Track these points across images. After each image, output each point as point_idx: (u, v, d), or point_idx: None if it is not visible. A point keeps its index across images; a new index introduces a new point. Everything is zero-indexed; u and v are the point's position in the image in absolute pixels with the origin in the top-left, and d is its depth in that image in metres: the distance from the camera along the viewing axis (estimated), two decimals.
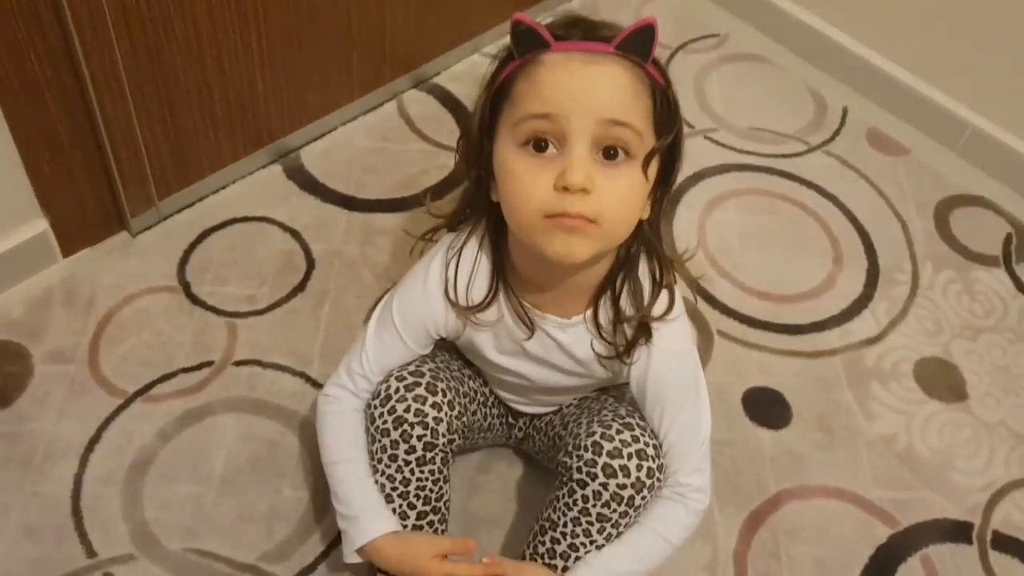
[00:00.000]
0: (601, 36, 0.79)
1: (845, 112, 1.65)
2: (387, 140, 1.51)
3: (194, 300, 1.29)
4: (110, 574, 1.05)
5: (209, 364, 1.23)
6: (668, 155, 0.85)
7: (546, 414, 1.09)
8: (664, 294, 0.90)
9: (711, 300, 1.36)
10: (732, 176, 1.53)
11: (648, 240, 0.89)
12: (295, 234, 1.37)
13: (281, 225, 1.38)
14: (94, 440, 1.14)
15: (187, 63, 1.23)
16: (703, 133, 1.58)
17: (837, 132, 1.62)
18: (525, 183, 0.80)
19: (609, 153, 0.79)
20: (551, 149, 0.79)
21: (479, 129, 0.85)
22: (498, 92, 0.83)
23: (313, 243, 1.36)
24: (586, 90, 0.78)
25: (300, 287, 1.31)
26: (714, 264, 1.40)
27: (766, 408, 1.26)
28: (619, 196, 0.80)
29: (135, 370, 1.21)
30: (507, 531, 1.12)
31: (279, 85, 1.37)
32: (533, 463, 1.18)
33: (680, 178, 1.49)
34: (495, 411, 1.09)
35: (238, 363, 1.23)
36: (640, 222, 0.86)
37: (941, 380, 1.31)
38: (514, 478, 1.17)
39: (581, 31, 0.80)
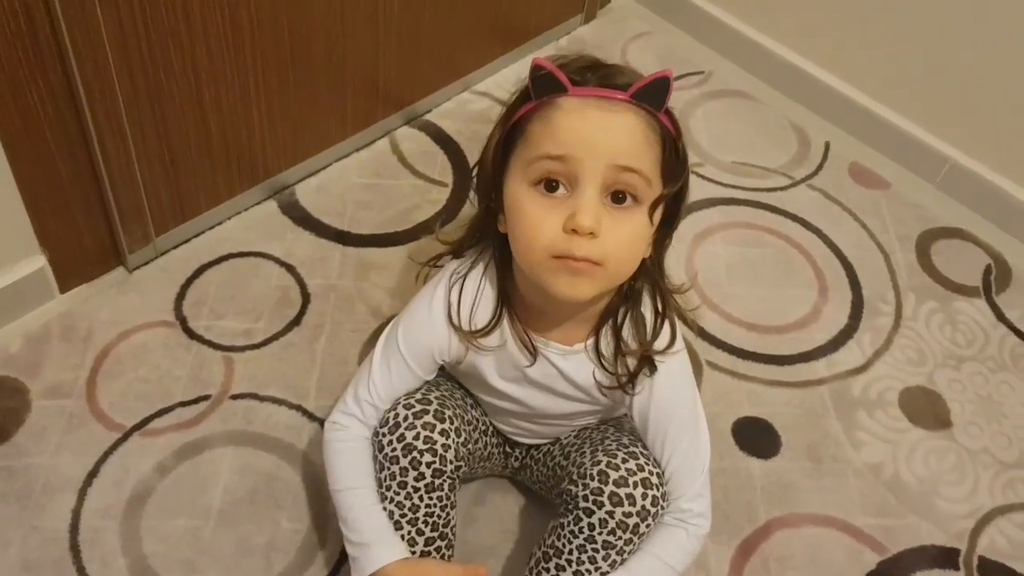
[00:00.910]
0: (617, 84, 0.82)
1: (827, 147, 1.69)
2: (380, 176, 1.53)
3: (191, 334, 1.30)
4: None
5: (206, 398, 1.24)
6: (673, 199, 0.88)
7: (544, 444, 1.11)
8: (666, 327, 0.92)
9: (701, 332, 1.38)
10: (718, 210, 1.56)
11: (651, 276, 0.92)
12: (291, 269, 1.39)
13: (277, 260, 1.40)
14: (92, 474, 1.15)
15: (186, 102, 1.26)
16: (690, 168, 1.61)
17: (820, 166, 1.65)
18: (535, 223, 0.83)
19: (618, 197, 0.82)
20: (562, 190, 0.82)
21: (492, 163, 0.88)
22: (513, 128, 0.86)
23: (308, 278, 1.38)
24: (600, 136, 0.81)
25: (296, 321, 1.33)
26: (703, 296, 1.43)
27: (756, 438, 1.28)
28: (625, 240, 0.83)
29: (132, 404, 1.22)
30: (503, 562, 1.13)
31: (275, 123, 1.39)
32: (528, 494, 1.19)
33: None
34: (494, 440, 1.11)
35: (235, 396, 1.24)
36: (643, 259, 0.89)
37: (926, 408, 1.34)
38: (509, 510, 1.18)
39: (597, 77, 0.83)
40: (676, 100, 1.59)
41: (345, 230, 1.45)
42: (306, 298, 1.36)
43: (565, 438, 1.09)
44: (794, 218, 1.56)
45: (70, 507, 1.12)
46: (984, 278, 1.51)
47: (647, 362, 0.92)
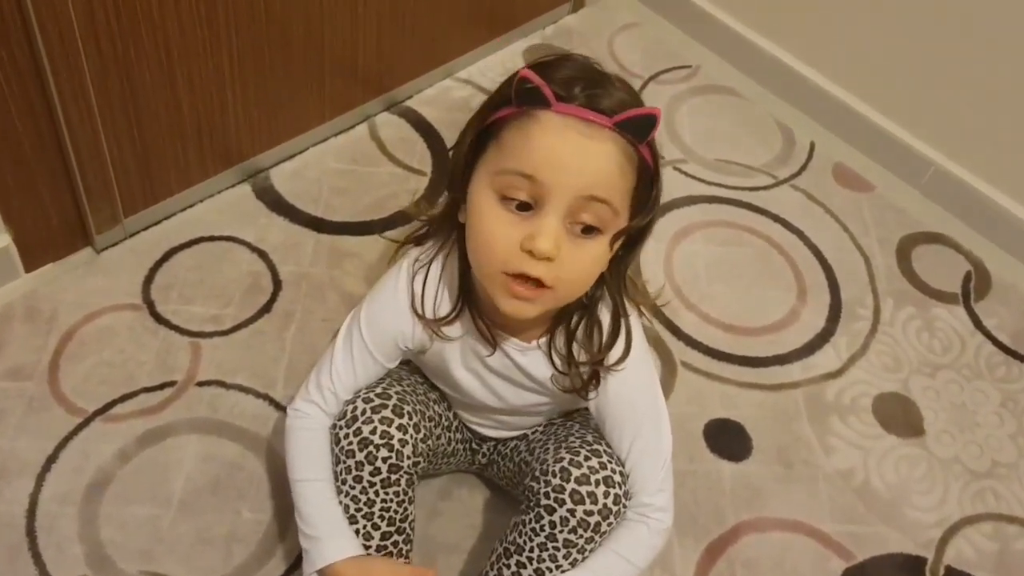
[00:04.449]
0: (602, 107, 0.79)
1: (812, 147, 1.67)
2: (357, 162, 1.51)
3: (158, 319, 1.28)
4: None
5: (172, 384, 1.22)
6: (640, 227, 0.86)
7: (511, 439, 1.10)
8: (621, 340, 0.91)
9: (676, 331, 1.37)
10: (699, 208, 1.54)
11: (609, 286, 0.91)
12: (263, 255, 1.37)
13: (249, 245, 1.38)
14: (51, 459, 1.13)
15: (157, 80, 1.23)
16: (672, 164, 1.60)
17: (804, 167, 1.64)
18: (494, 235, 0.81)
19: (581, 224, 0.81)
20: (526, 206, 0.80)
21: (464, 159, 0.86)
22: (488, 128, 0.83)
23: (281, 264, 1.36)
24: (574, 163, 0.79)
25: (266, 308, 1.31)
26: (679, 295, 1.42)
27: (727, 440, 1.27)
28: (581, 267, 0.83)
29: (96, 389, 1.20)
30: (466, 558, 1.12)
31: (249, 105, 1.37)
32: (495, 490, 1.18)
33: None
34: (459, 436, 1.09)
35: (201, 383, 1.22)
36: (601, 272, 0.88)
37: (899, 416, 1.33)
38: (475, 505, 1.17)
39: (585, 94, 0.79)
40: (662, 95, 1.56)
41: (320, 216, 1.43)
42: (277, 285, 1.34)
43: (532, 433, 1.08)
44: (775, 218, 1.55)
45: (28, 492, 1.10)
46: (964, 285, 1.50)
47: (597, 376, 0.92)
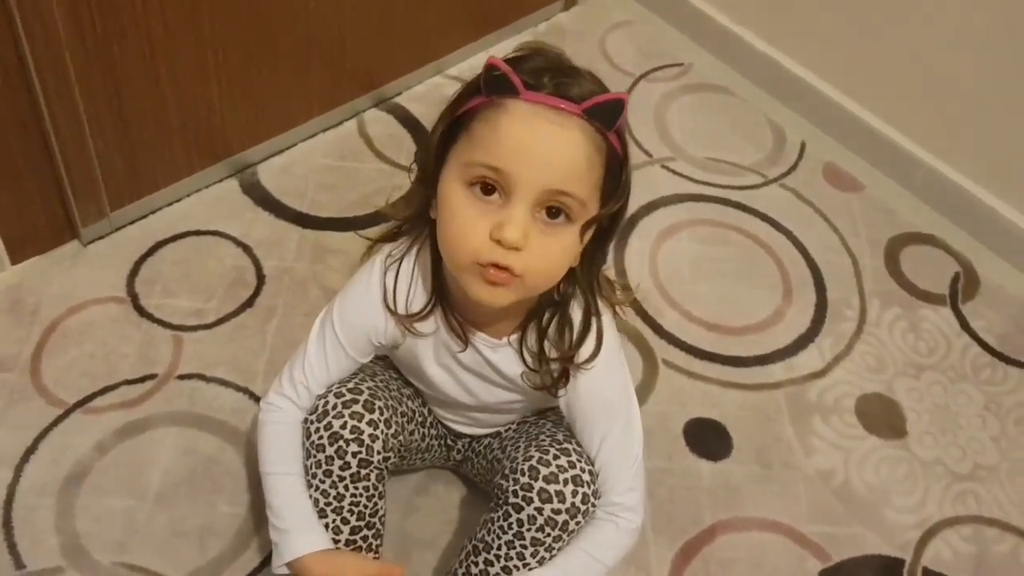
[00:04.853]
0: (571, 95, 0.79)
1: (803, 146, 1.67)
2: (345, 159, 1.51)
3: (141, 312, 1.29)
4: None
5: (152, 377, 1.23)
6: (610, 219, 0.86)
7: (485, 436, 1.10)
8: (591, 338, 0.91)
9: (658, 329, 1.37)
10: (686, 206, 1.54)
11: (581, 283, 0.91)
12: (247, 249, 1.37)
13: (234, 240, 1.38)
14: (30, 450, 1.14)
15: (142, 76, 1.23)
16: (660, 162, 1.59)
17: (794, 166, 1.63)
18: (464, 226, 0.81)
19: (551, 212, 0.81)
20: (496, 196, 0.80)
21: (434, 152, 0.86)
22: (458, 119, 0.83)
23: (264, 259, 1.37)
24: (541, 153, 0.78)
25: (249, 303, 1.32)
26: (663, 294, 1.42)
27: (707, 439, 1.27)
28: (550, 256, 0.82)
29: (76, 381, 1.21)
30: (440, 554, 1.13)
31: (236, 100, 1.37)
32: (472, 486, 1.18)
33: (634, 207, 1.52)
34: (434, 432, 1.10)
35: (181, 377, 1.23)
36: (573, 268, 0.88)
37: (882, 417, 1.32)
38: (451, 501, 1.17)
39: (553, 83, 0.79)
40: (653, 93, 1.55)
41: (305, 212, 1.43)
42: (261, 280, 1.34)
43: (505, 431, 1.08)
44: (764, 218, 1.54)
45: (5, 483, 1.11)
46: (951, 286, 1.50)
47: (569, 369, 0.91)
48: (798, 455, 1.27)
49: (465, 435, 1.11)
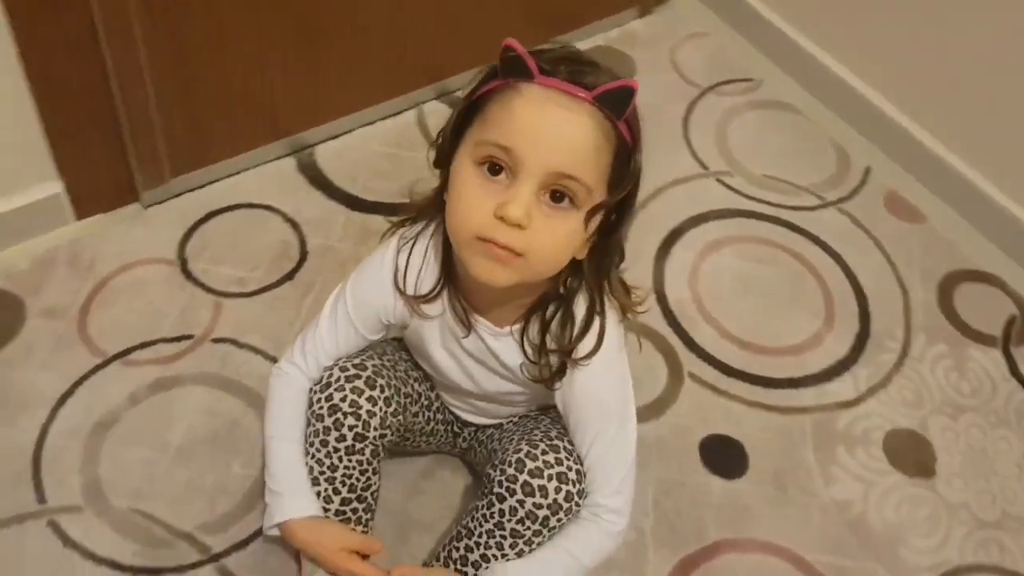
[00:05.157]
0: (584, 82, 0.80)
1: (867, 171, 1.63)
2: (401, 147, 1.55)
3: (188, 275, 1.35)
4: (54, 522, 1.10)
5: (189, 337, 1.28)
6: (617, 210, 0.87)
7: (488, 427, 1.11)
8: (593, 333, 0.91)
9: (689, 343, 1.36)
10: (736, 221, 1.52)
11: (588, 280, 0.91)
12: (295, 226, 1.42)
13: (284, 215, 1.43)
14: (67, 394, 1.21)
15: (209, 53, 1.29)
16: (716, 175, 1.58)
17: (856, 191, 1.59)
18: (469, 201, 0.83)
19: (556, 196, 0.82)
20: (503, 175, 0.82)
21: (451, 134, 0.88)
22: (475, 103, 0.85)
23: (311, 237, 1.41)
24: (549, 136, 0.80)
25: (290, 276, 1.36)
26: (700, 307, 1.40)
27: (723, 456, 1.25)
28: (552, 239, 0.83)
29: (119, 334, 1.27)
30: (438, 538, 1.14)
31: (300, 82, 1.42)
32: (477, 475, 1.19)
33: (682, 218, 1.51)
34: (440, 416, 1.12)
35: (216, 340, 1.28)
36: (579, 262, 0.88)
37: (910, 454, 1.28)
38: (455, 487, 1.19)
39: (568, 69, 0.81)
40: (718, 106, 1.53)
41: (355, 195, 1.47)
42: (304, 255, 1.39)
43: (507, 423, 1.09)
44: (815, 240, 1.51)
45: (40, 422, 1.18)
46: (1005, 328, 1.44)
47: (567, 363, 0.92)
48: (817, 482, 1.24)
49: (471, 423, 1.12)
